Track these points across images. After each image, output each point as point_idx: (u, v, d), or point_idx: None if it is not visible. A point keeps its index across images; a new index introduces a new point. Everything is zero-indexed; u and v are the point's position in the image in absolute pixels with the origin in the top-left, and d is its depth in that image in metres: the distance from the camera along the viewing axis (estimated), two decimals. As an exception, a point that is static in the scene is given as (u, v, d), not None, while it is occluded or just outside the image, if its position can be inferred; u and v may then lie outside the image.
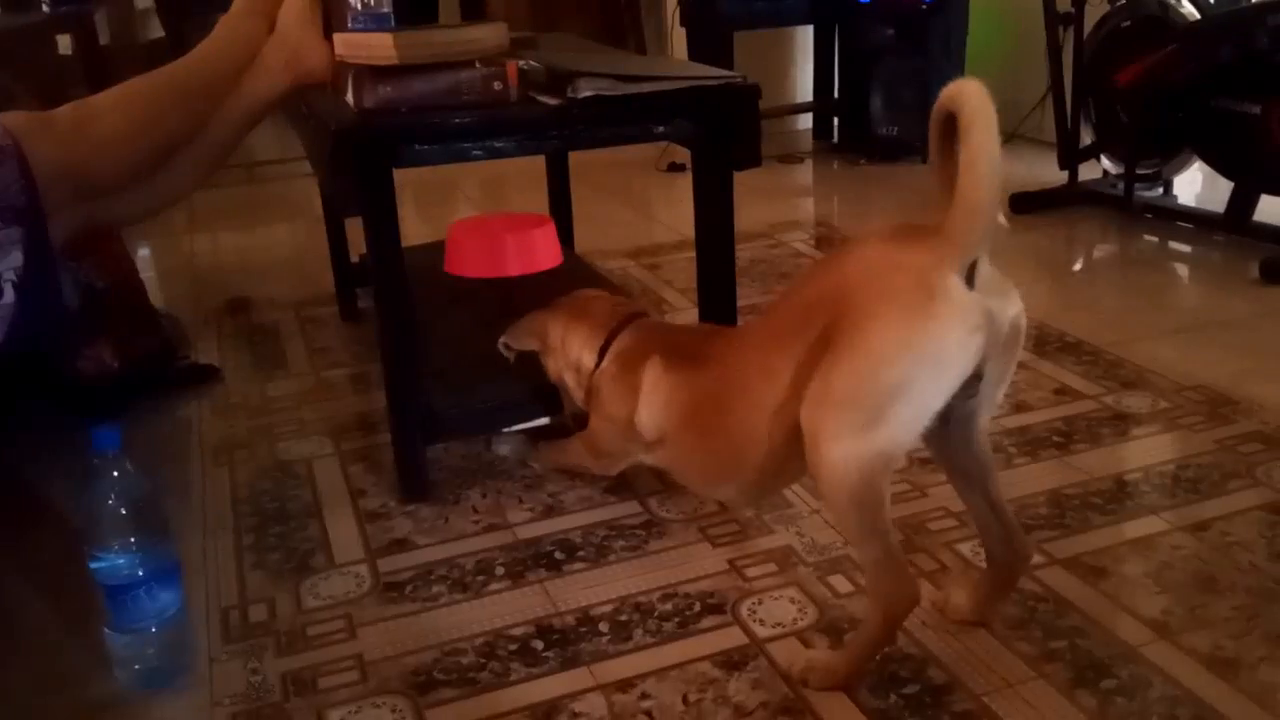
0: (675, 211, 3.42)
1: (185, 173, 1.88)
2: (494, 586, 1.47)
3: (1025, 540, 1.33)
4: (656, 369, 1.50)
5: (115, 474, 1.26)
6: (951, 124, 1.08)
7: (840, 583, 1.44)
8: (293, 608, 1.45)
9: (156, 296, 2.68)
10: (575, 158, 2.51)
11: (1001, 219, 1.11)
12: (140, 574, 1.28)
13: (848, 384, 1.13)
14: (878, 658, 1.28)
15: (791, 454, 1.22)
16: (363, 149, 1.51)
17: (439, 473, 1.77)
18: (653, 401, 1.49)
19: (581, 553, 1.54)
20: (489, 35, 1.64)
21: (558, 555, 1.54)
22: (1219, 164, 2.83)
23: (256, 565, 1.56)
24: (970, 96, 1.06)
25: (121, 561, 1.27)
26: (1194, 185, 3.25)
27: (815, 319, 1.19)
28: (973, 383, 1.14)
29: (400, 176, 1.55)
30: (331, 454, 1.88)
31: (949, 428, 1.23)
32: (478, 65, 1.60)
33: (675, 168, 3.84)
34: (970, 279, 1.10)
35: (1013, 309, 1.14)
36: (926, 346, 1.09)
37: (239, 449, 1.92)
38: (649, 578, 1.47)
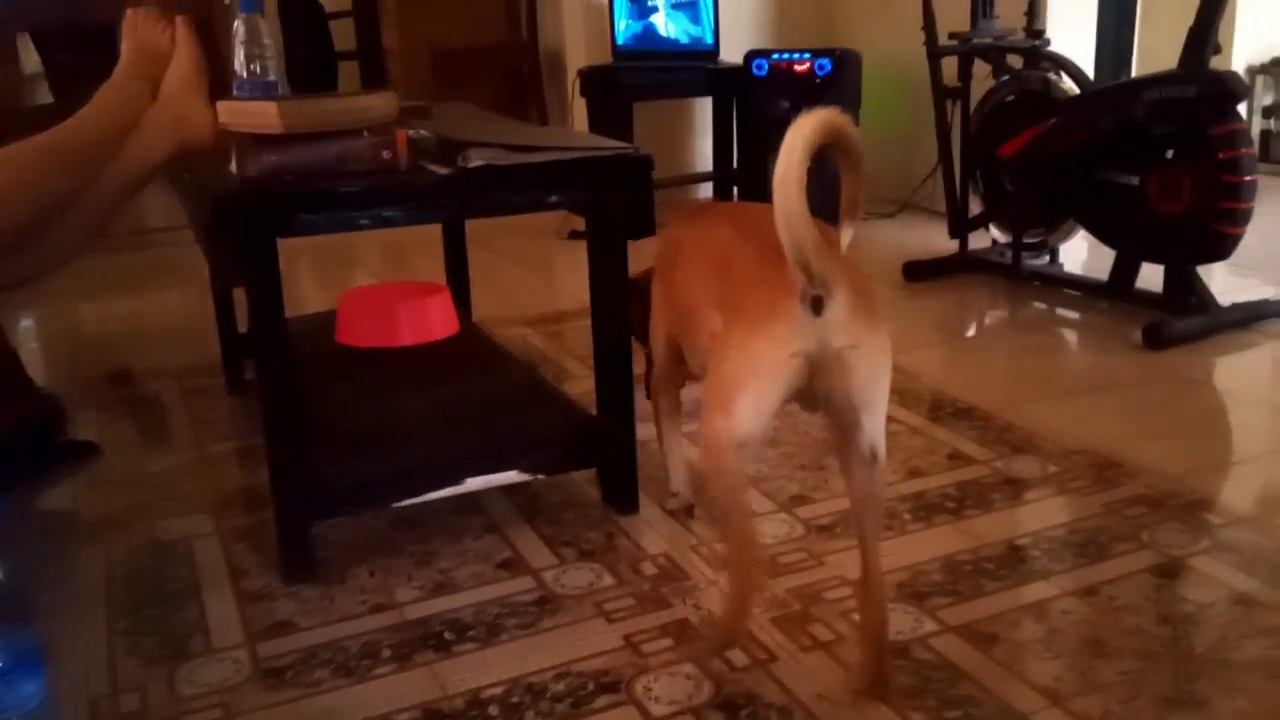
0: (577, 278, 3.40)
1: (67, 238, 1.84)
2: (379, 670, 1.42)
3: (880, 581, 1.34)
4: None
5: (-29, 560, 1.19)
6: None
7: (737, 656, 1.42)
8: (167, 695, 1.38)
9: (37, 368, 2.59)
10: (475, 224, 2.49)
11: (848, 233, 1.26)
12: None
13: (713, 370, 1.33)
14: (736, 636, 1.40)
15: (696, 334, 1.47)
16: (245, 218, 1.48)
17: (326, 550, 1.71)
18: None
19: (472, 632, 1.50)
20: (377, 104, 1.63)
21: (447, 635, 1.49)
22: (1101, 233, 2.92)
23: (130, 651, 1.48)
24: (784, 142, 1.15)
25: (-23, 653, 1.20)
26: (1079, 253, 3.36)
27: (722, 270, 1.39)
28: (817, 396, 1.28)
29: (297, 242, 1.52)
30: (213, 532, 1.81)
31: (840, 453, 1.34)
32: (366, 134, 1.58)
33: (577, 235, 3.84)
34: (819, 307, 1.22)
35: (839, 342, 1.24)
36: (752, 355, 1.27)
37: (116, 527, 1.84)
38: (542, 657, 1.43)
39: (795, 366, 1.24)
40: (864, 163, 1.23)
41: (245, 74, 1.70)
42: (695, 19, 4.06)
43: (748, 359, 1.27)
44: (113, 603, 1.61)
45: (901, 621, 1.47)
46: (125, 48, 1.90)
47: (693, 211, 1.71)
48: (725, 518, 1.36)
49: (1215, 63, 2.63)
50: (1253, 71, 4.56)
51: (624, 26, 4.10)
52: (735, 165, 4.18)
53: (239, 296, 2.05)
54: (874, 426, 1.29)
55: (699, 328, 1.46)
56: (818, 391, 1.27)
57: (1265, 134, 4.63)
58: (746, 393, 1.27)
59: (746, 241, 1.37)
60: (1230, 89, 2.57)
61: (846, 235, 1.26)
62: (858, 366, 1.26)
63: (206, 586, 1.64)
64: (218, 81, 1.83)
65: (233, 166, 1.58)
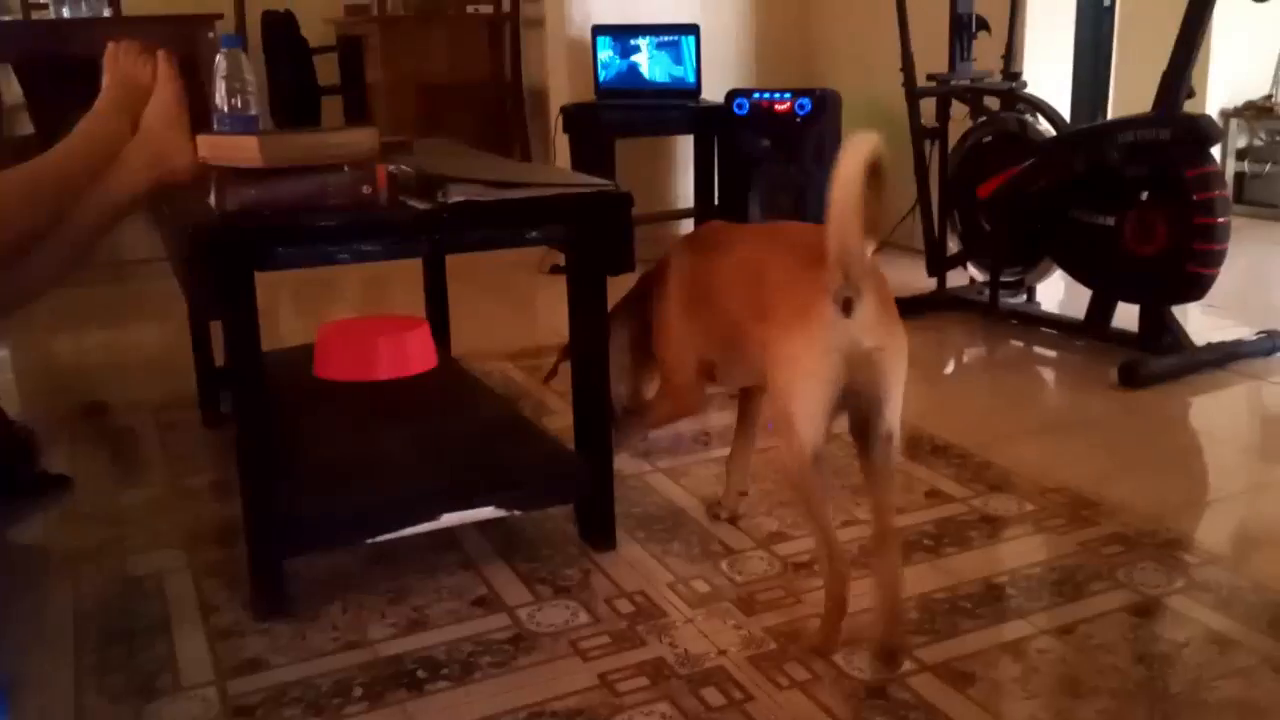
0: (558, 313, 3.39)
1: (43, 269, 1.83)
2: (351, 709, 1.40)
3: (893, 532, 1.49)
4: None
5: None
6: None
7: (713, 695, 1.41)
8: (134, 735, 1.36)
9: (11, 400, 2.56)
10: (457, 258, 2.49)
11: (869, 245, 1.35)
12: (-39, 703, 1.19)
13: (769, 384, 1.45)
14: (841, 624, 1.48)
15: (741, 348, 1.58)
16: (222, 251, 1.48)
17: (299, 586, 1.69)
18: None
19: (445, 670, 1.48)
20: (358, 139, 1.63)
21: (420, 674, 1.47)
22: (1077, 272, 2.95)
23: (97, 688, 1.46)
24: (843, 151, 1.29)
25: (-61, 690, 1.18)
26: (1056, 292, 3.38)
27: (757, 281, 1.51)
28: (853, 393, 1.40)
29: (277, 275, 1.52)
30: (184, 567, 1.79)
31: (858, 437, 1.46)
32: (346, 169, 1.58)
33: (558, 269, 3.84)
34: (848, 309, 1.34)
35: (870, 343, 1.38)
36: (796, 359, 1.39)
37: (86, 562, 1.82)
38: (516, 695, 1.42)
39: (834, 363, 1.37)
40: (885, 185, 1.35)
41: (226, 108, 1.70)
42: (677, 58, 4.09)
43: (793, 363, 1.39)
44: (81, 638, 1.58)
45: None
46: (106, 80, 1.90)
47: (708, 229, 1.83)
48: (812, 520, 1.49)
49: (1189, 106, 2.67)
50: (1226, 115, 4.63)
51: (607, 64, 4.13)
52: (716, 202, 4.20)
53: (216, 329, 2.05)
54: (893, 414, 1.44)
55: (746, 338, 1.55)
56: (848, 387, 1.38)
57: (1239, 176, 4.69)
58: (801, 399, 1.39)
59: (775, 251, 1.52)
60: (1204, 132, 2.60)
61: (868, 247, 1.36)
62: (884, 364, 1.40)
63: (176, 622, 1.62)
64: (200, 115, 1.83)
65: (212, 200, 1.58)
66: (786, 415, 1.41)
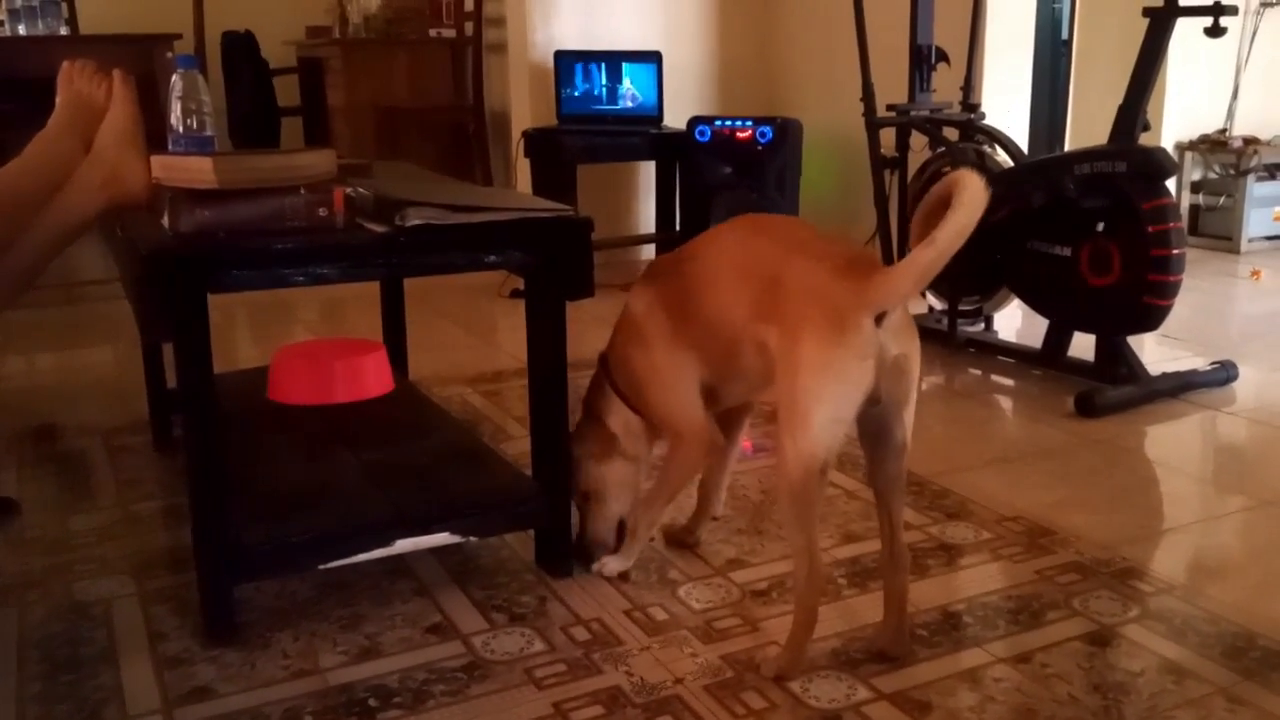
0: (517, 338, 3.39)
1: (-7, 290, 1.79)
2: (300, 739, 1.38)
3: (904, 551, 1.54)
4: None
5: None
6: (944, 208, 1.32)
7: (668, 725, 1.40)
8: (76, 767, 1.33)
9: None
10: (415, 281, 2.47)
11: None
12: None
13: (786, 389, 1.43)
14: (809, 642, 1.50)
15: (735, 354, 1.58)
16: (174, 273, 1.45)
17: (249, 613, 1.67)
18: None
19: (398, 699, 1.46)
20: (316, 161, 1.62)
21: (372, 702, 1.45)
22: (1035, 302, 2.97)
23: (41, 718, 1.42)
24: (974, 187, 1.31)
25: None
26: (1013, 321, 3.41)
27: (763, 281, 1.50)
28: (875, 400, 1.43)
29: (234, 296, 1.50)
30: (133, 594, 1.75)
31: (872, 447, 1.50)
32: (302, 191, 1.57)
33: (518, 294, 3.83)
34: (880, 319, 1.39)
35: (897, 349, 1.42)
36: (832, 363, 1.40)
37: (32, 588, 1.78)
38: (469, 725, 1.40)
39: (869, 371, 1.39)
40: None
41: (181, 129, 1.69)
42: (640, 85, 4.11)
43: (826, 369, 1.40)
44: (25, 667, 1.55)
45: (835, 689, 1.46)
46: (60, 100, 1.88)
47: (655, 261, 1.83)
48: (801, 530, 1.46)
49: (1145, 139, 2.71)
50: (1181, 148, 4.71)
51: (569, 90, 4.14)
52: (678, 228, 4.21)
53: (169, 352, 2.02)
54: (909, 421, 1.49)
55: (740, 339, 1.55)
56: (871, 395, 1.41)
57: (1194, 209, 4.77)
58: (829, 406, 1.40)
59: (790, 253, 1.50)
60: (1159, 164, 2.64)
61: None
62: (907, 370, 1.45)
63: (124, 650, 1.59)
64: (156, 136, 1.81)
65: (165, 221, 1.56)
66: (806, 421, 1.40)
